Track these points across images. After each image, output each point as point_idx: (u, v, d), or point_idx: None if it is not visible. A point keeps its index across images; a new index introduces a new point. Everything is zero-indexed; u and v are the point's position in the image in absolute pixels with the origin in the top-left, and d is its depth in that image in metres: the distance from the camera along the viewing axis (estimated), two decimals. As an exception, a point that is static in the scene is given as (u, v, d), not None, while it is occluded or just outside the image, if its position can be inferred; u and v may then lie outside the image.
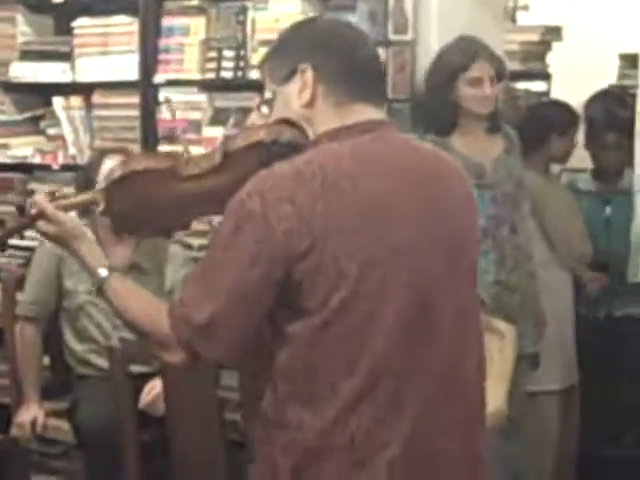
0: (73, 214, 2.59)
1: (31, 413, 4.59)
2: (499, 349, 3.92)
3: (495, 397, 3.65)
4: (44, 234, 2.53)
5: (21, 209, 2.46)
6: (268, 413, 2.33)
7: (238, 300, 2.25)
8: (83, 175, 4.72)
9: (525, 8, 6.03)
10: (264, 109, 2.48)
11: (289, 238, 2.21)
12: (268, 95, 2.43)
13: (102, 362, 4.35)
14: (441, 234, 2.35)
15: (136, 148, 4.99)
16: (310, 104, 2.33)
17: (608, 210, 5.04)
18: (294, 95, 2.36)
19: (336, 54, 2.38)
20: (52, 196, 2.52)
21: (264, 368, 2.31)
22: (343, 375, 2.26)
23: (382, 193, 2.28)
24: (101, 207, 2.49)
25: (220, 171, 2.41)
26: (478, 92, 4.22)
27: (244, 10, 4.82)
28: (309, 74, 2.32)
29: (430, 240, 2.32)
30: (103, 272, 2.44)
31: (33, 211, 2.53)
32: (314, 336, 2.24)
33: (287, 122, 2.35)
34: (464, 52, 4.25)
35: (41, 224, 2.49)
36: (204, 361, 2.41)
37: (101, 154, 4.73)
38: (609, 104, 5.09)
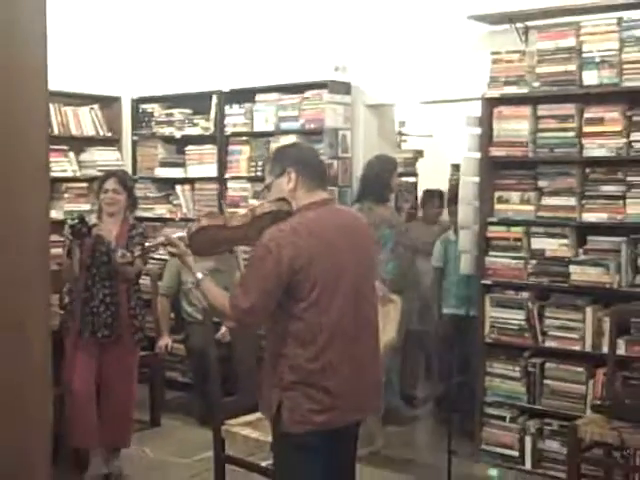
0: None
1: (165, 341, 5.08)
2: (394, 308, 4.18)
3: (392, 332, 4.07)
4: (170, 253, 2.64)
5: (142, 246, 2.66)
6: (281, 351, 2.45)
7: (265, 295, 2.39)
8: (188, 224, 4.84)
9: (405, 141, 6.48)
10: (266, 191, 2.63)
11: (291, 263, 2.36)
12: (268, 182, 2.58)
13: (199, 316, 4.61)
14: (360, 255, 2.54)
15: (215, 209, 5.47)
16: (294, 190, 2.49)
17: None
18: (284, 184, 2.50)
19: (306, 163, 2.53)
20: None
21: (279, 330, 2.45)
22: (318, 332, 2.41)
23: (334, 238, 2.46)
24: (186, 242, 2.60)
25: (250, 225, 2.51)
26: (397, 181, 4.89)
27: (268, 142, 5.43)
28: (293, 174, 2.49)
29: (357, 259, 2.51)
30: (199, 275, 2.56)
31: (164, 239, 2.66)
32: (302, 313, 2.40)
33: (282, 199, 2.50)
34: (392, 162, 4.80)
35: (169, 247, 2.62)
36: (247, 326, 2.72)
37: (199, 217, 5.22)
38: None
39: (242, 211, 4.04)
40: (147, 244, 2.65)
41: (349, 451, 2.61)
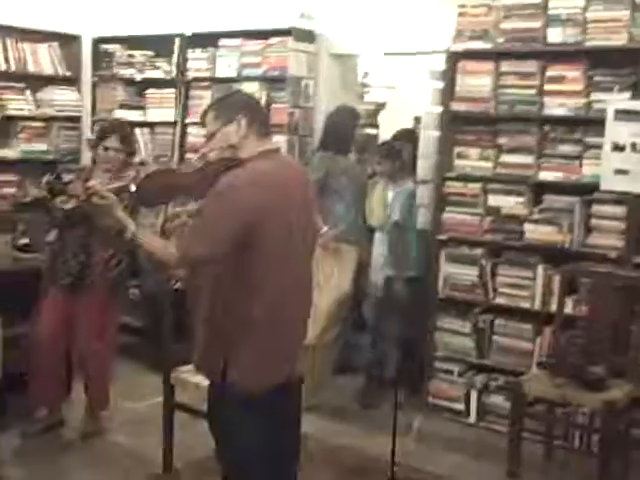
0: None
1: None
2: (350, 260, 4.38)
3: (346, 285, 4.36)
4: (96, 205, 2.45)
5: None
6: (234, 309, 2.32)
7: (221, 243, 2.28)
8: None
9: (367, 93, 6.40)
10: (208, 140, 2.44)
11: (248, 211, 2.27)
12: (213, 130, 2.41)
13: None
14: (306, 199, 2.51)
15: (176, 153, 5.46)
16: (245, 137, 2.39)
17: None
18: (232, 132, 2.39)
19: (254, 111, 2.46)
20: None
21: (233, 286, 2.33)
22: (278, 282, 2.35)
23: (286, 186, 2.41)
24: (132, 190, 2.49)
25: (200, 172, 2.43)
26: (360, 132, 4.88)
27: (230, 88, 4.99)
28: (244, 122, 2.39)
29: (303, 205, 2.47)
30: (133, 227, 2.41)
31: (90, 191, 2.44)
32: (257, 259, 2.30)
33: (231, 146, 2.39)
34: (355, 114, 4.72)
35: (95, 198, 2.43)
36: (195, 273, 2.47)
37: (156, 158, 5.46)
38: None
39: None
40: (81, 198, 2.44)
41: (294, 405, 2.56)
